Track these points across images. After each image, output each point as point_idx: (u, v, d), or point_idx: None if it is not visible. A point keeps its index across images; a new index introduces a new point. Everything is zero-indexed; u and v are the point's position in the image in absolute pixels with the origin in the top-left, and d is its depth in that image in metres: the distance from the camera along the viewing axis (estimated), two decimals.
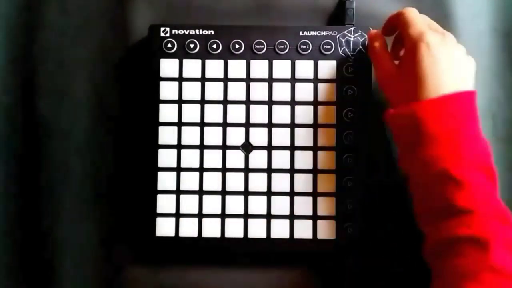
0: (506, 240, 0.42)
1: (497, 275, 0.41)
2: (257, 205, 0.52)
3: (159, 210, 0.52)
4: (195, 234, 0.52)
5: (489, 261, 0.41)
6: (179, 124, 0.53)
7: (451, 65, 0.44)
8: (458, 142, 0.43)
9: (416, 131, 0.44)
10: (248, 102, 0.53)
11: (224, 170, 0.52)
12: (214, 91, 0.53)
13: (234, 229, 0.52)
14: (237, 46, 0.53)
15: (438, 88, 0.43)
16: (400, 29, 0.48)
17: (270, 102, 0.53)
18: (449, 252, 0.43)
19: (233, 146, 0.53)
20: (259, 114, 0.53)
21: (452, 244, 0.43)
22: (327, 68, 0.53)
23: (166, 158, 0.52)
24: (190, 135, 0.53)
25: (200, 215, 0.52)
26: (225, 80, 0.53)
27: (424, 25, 0.46)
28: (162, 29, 0.53)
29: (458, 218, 0.43)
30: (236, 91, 0.53)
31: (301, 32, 0.53)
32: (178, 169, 0.52)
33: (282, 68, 0.53)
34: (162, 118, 0.53)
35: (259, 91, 0.53)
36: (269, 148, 0.53)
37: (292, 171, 0.52)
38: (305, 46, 0.53)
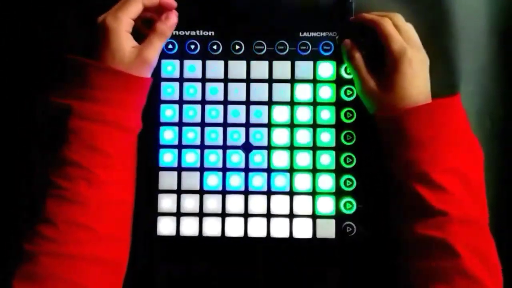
0: (475, 246, 0.44)
1: (468, 280, 0.43)
2: (257, 204, 0.52)
3: (160, 209, 0.53)
4: (196, 233, 0.52)
5: (461, 266, 0.43)
6: (180, 124, 0.53)
7: (425, 77, 0.49)
8: (439, 147, 0.46)
9: (399, 134, 0.47)
10: (248, 102, 0.53)
11: (224, 169, 0.53)
12: (214, 91, 0.53)
13: (234, 228, 0.52)
14: (237, 46, 0.53)
15: (417, 98, 0.48)
16: (382, 41, 0.50)
17: (270, 102, 0.53)
18: (421, 253, 0.45)
19: (233, 146, 0.53)
20: (259, 114, 0.53)
21: (423, 245, 0.45)
22: (327, 68, 0.53)
23: (166, 158, 0.53)
24: (191, 135, 0.53)
25: (201, 214, 0.53)
26: (225, 80, 0.53)
27: (402, 41, 0.49)
28: None
29: (432, 219, 0.45)
30: (236, 91, 0.53)
31: (300, 32, 0.53)
32: (179, 169, 0.53)
33: (282, 68, 0.53)
34: (163, 118, 0.53)
35: (259, 91, 0.53)
36: (269, 148, 0.53)
37: (291, 171, 0.53)
38: (304, 47, 0.53)
